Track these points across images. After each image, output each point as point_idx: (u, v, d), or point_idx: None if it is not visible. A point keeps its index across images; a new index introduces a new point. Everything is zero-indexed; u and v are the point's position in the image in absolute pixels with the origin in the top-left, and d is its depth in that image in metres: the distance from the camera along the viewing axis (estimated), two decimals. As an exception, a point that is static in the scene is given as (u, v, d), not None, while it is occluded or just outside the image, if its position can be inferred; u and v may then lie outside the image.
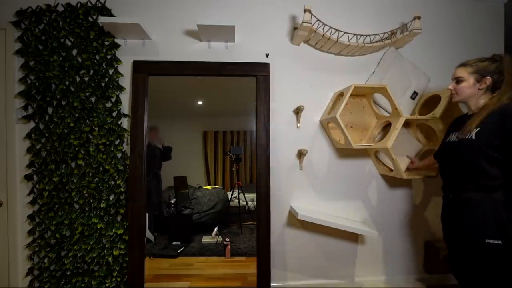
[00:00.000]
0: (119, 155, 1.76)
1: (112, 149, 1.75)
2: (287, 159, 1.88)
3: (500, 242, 1.09)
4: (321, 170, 1.91)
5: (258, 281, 1.76)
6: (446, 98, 1.71)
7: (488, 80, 1.26)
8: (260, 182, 1.78)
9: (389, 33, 1.84)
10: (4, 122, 1.73)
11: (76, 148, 1.72)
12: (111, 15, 1.76)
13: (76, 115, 1.73)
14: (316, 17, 1.67)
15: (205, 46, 1.84)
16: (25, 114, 1.72)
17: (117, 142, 1.76)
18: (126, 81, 1.80)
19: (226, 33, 1.71)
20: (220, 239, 2.13)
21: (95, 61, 1.75)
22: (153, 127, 1.85)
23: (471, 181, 1.23)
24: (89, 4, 1.75)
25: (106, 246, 1.74)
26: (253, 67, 1.81)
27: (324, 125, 1.87)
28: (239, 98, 2.02)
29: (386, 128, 1.87)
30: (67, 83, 1.73)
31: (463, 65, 1.34)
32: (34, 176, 1.73)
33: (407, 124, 1.89)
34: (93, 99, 1.75)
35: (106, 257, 1.74)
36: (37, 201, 1.72)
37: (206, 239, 2.14)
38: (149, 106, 1.78)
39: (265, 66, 1.82)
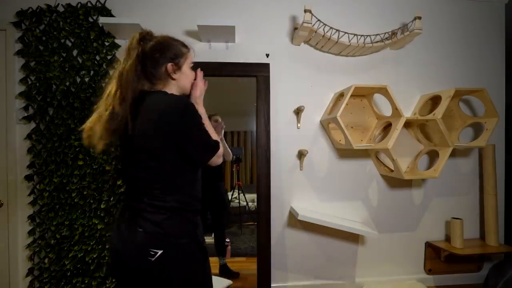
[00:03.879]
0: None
1: (113, 150, 1.75)
2: (288, 159, 1.88)
3: None
4: (321, 171, 1.91)
5: (259, 281, 1.76)
6: (447, 98, 1.70)
7: None
8: (260, 183, 1.78)
9: (390, 33, 1.84)
10: (4, 122, 1.73)
11: (77, 149, 1.72)
12: (111, 15, 1.76)
13: (77, 115, 1.73)
14: (316, 17, 1.67)
15: (205, 46, 1.84)
16: (26, 114, 1.72)
17: (117, 143, 1.76)
18: (126, 82, 1.79)
19: (226, 33, 1.70)
20: (220, 239, 2.12)
21: (96, 61, 1.74)
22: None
23: None
24: (89, 4, 1.75)
25: (107, 246, 1.74)
26: (253, 67, 1.80)
27: (325, 126, 1.87)
28: (239, 98, 2.02)
29: (387, 128, 1.87)
30: (67, 83, 1.73)
31: None
32: (35, 177, 1.73)
33: (407, 124, 1.89)
34: (93, 100, 1.75)
35: (106, 258, 1.74)
36: (38, 201, 1.72)
37: (206, 240, 2.13)
38: (149, 107, 1.78)
39: (266, 66, 1.81)
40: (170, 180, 0.90)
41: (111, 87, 0.90)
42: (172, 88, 0.99)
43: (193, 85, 1.04)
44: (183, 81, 1.01)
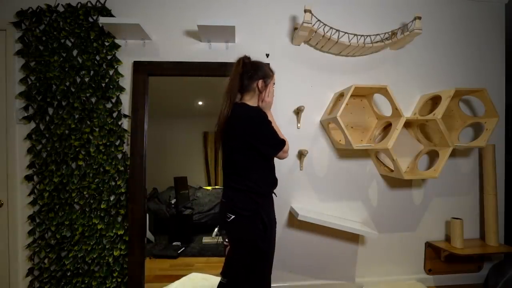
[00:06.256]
0: (119, 155, 1.76)
1: (113, 150, 1.75)
2: (288, 159, 1.87)
3: None
4: (321, 171, 1.91)
5: (259, 282, 1.76)
6: (447, 98, 1.70)
7: None
8: (261, 183, 1.78)
9: (390, 33, 1.84)
10: (4, 122, 1.73)
11: (77, 149, 1.72)
12: (111, 15, 1.76)
13: (77, 115, 1.73)
14: (316, 18, 1.67)
15: (206, 46, 1.84)
16: (26, 114, 1.72)
17: (117, 143, 1.76)
18: (126, 82, 1.79)
19: (226, 33, 1.70)
20: (220, 239, 2.12)
21: (96, 61, 1.74)
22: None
23: None
24: (89, 4, 1.75)
25: (107, 246, 1.74)
26: (253, 67, 1.80)
27: (325, 126, 1.87)
28: (239, 98, 2.01)
29: (387, 128, 1.87)
30: (67, 83, 1.73)
31: None
32: (35, 177, 1.73)
33: (407, 124, 1.89)
34: (93, 100, 1.75)
35: (106, 258, 1.74)
36: (38, 201, 1.72)
37: (206, 240, 2.13)
38: (149, 106, 1.78)
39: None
40: (243, 169, 1.23)
41: (223, 101, 1.24)
42: (255, 101, 1.29)
43: (259, 97, 1.29)
44: (266, 95, 1.29)
